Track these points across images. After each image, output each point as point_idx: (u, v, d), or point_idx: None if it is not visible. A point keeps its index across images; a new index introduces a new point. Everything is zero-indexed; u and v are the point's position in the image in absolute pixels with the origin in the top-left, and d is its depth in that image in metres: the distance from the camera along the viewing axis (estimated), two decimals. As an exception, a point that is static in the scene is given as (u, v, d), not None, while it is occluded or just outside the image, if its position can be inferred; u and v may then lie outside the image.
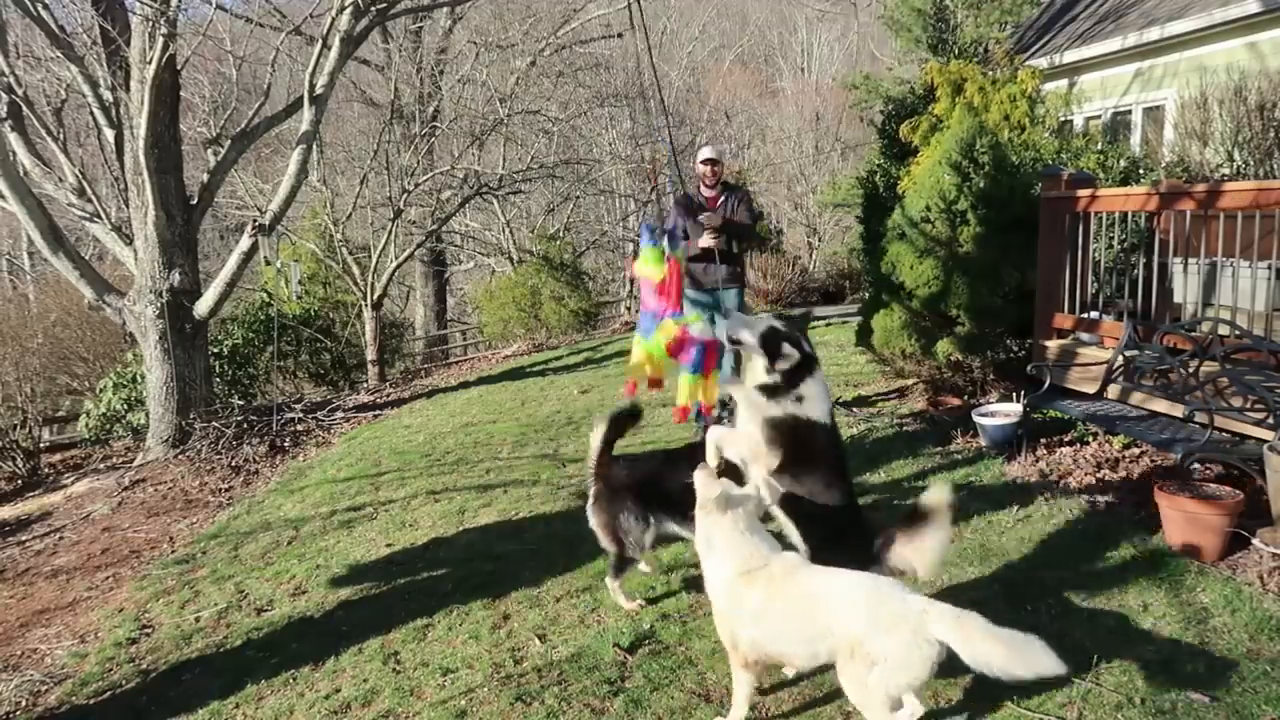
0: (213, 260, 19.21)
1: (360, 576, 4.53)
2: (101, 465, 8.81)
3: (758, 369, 3.05)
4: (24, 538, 6.46)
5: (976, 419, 5.02)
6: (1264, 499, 3.56)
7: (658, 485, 3.55)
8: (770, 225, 18.54)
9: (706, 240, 5.51)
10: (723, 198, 5.76)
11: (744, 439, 3.08)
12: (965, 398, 5.81)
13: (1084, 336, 5.53)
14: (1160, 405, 4.74)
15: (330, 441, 8.02)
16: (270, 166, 18.02)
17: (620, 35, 18.74)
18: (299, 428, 8.47)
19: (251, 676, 3.59)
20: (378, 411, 9.07)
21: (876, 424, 5.68)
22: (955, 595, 3.42)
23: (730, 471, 3.09)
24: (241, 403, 9.86)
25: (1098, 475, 4.34)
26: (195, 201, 8.72)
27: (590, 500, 3.65)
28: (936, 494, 2.80)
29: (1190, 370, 4.34)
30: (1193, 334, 4.59)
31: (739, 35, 37.49)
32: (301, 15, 9.98)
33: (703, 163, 5.77)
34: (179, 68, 8.40)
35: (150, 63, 7.71)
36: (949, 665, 2.40)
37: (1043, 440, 4.85)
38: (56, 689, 3.80)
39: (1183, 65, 9.36)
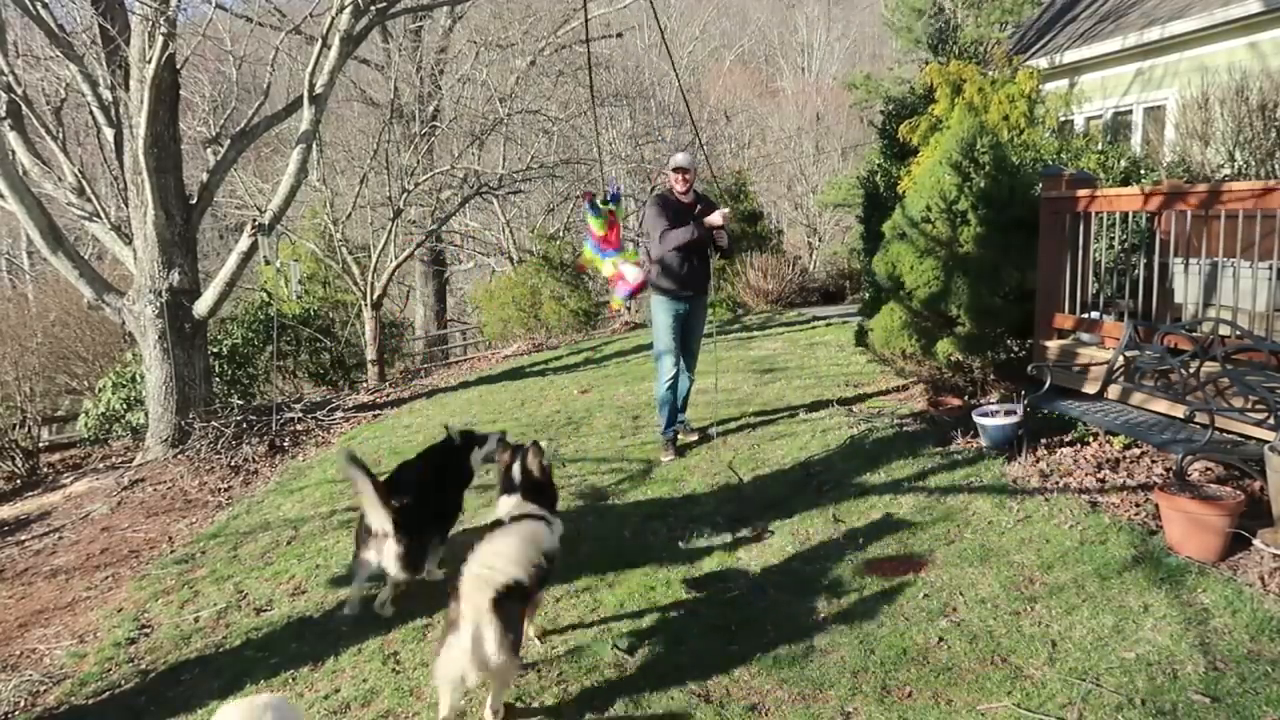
0: (212, 260, 19.21)
1: (360, 576, 4.52)
2: (101, 465, 8.81)
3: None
4: (23, 537, 6.46)
5: (977, 419, 5.01)
6: (1265, 500, 3.55)
7: None
8: (770, 225, 18.53)
9: (716, 219, 5.56)
10: (698, 207, 5.68)
11: None
12: (965, 398, 5.81)
13: (1084, 337, 5.52)
14: (1161, 406, 4.73)
15: (330, 441, 8.01)
16: (270, 166, 18.03)
17: (620, 35, 18.76)
18: (298, 427, 8.46)
19: (251, 677, 3.58)
20: (377, 411, 9.06)
21: (876, 424, 5.67)
22: (956, 596, 3.42)
23: None
24: (241, 402, 9.86)
25: (1098, 476, 4.34)
26: (195, 201, 8.72)
27: None
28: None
29: (1191, 371, 4.33)
30: (1193, 334, 4.58)
31: (739, 35, 37.52)
32: (301, 15, 9.98)
33: (674, 170, 5.68)
34: (178, 67, 8.39)
35: (150, 62, 7.70)
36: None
37: (1043, 440, 4.84)
38: (55, 689, 3.79)
39: (1184, 65, 9.36)
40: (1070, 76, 10.87)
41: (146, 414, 8.77)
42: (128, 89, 8.23)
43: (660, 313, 5.64)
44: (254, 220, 8.69)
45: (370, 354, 14.06)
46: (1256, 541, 3.40)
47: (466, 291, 23.78)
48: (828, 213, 21.83)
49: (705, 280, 5.73)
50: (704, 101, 27.00)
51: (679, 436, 5.86)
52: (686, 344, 5.76)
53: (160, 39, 7.59)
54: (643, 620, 3.55)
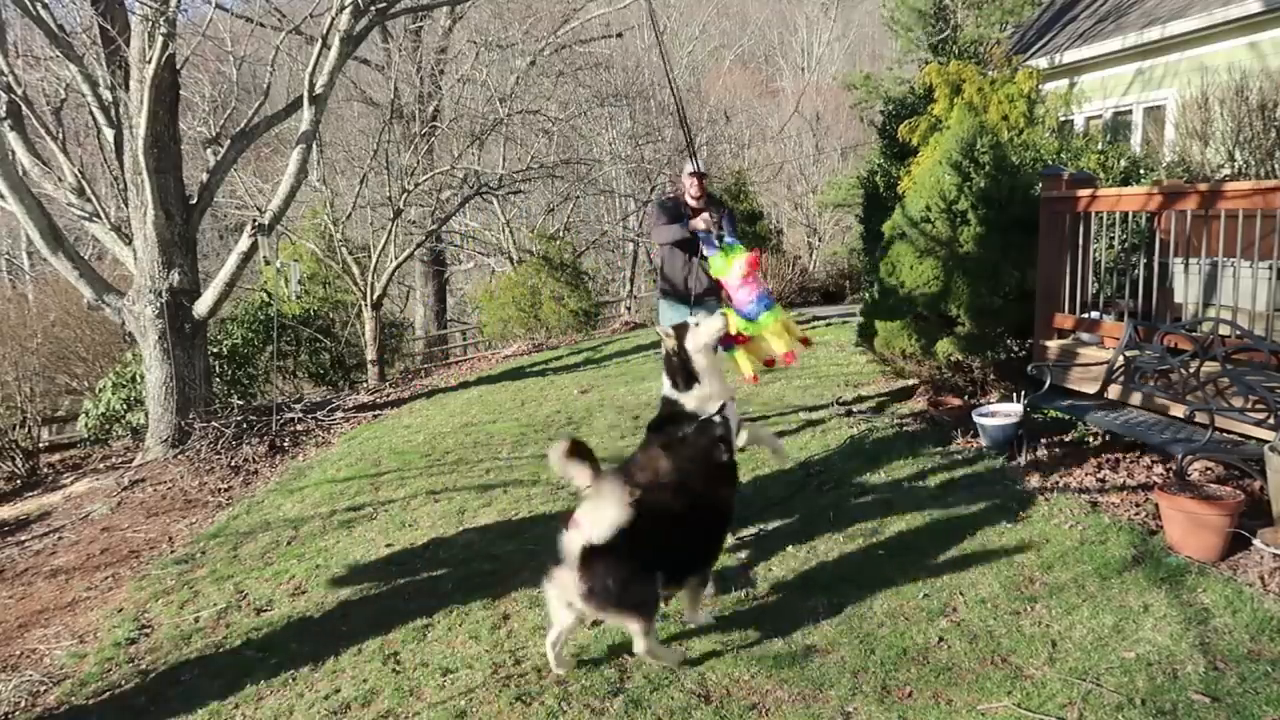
0: (212, 260, 19.21)
1: (360, 576, 4.52)
2: (101, 465, 8.80)
3: None
4: (23, 538, 6.46)
5: (976, 419, 5.01)
6: (1265, 499, 3.55)
7: None
8: (770, 225, 18.53)
9: (699, 223, 5.26)
10: (708, 212, 5.58)
11: None
12: (965, 398, 5.81)
13: (1084, 336, 5.52)
14: (1161, 405, 4.73)
15: (330, 441, 8.01)
16: (270, 166, 18.01)
17: (620, 35, 18.77)
18: (298, 428, 8.46)
19: (251, 677, 3.58)
20: (377, 411, 9.06)
21: (876, 424, 5.67)
22: (956, 596, 3.41)
23: None
24: (241, 402, 9.85)
25: (1098, 476, 4.34)
26: (195, 201, 8.72)
27: None
28: None
29: (1191, 370, 4.33)
30: (1193, 334, 4.58)
31: (739, 35, 37.50)
32: (301, 15, 9.97)
33: (689, 175, 5.62)
34: (178, 67, 8.39)
35: (149, 62, 7.70)
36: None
37: (1043, 440, 4.85)
38: (55, 689, 3.80)
39: (1183, 65, 9.36)
40: (1070, 76, 10.87)
41: (146, 414, 8.77)
42: (128, 89, 8.23)
43: (664, 317, 5.68)
44: (254, 220, 8.69)
45: (370, 354, 14.05)
46: (1256, 541, 3.41)
47: (466, 291, 23.78)
48: (828, 213, 21.82)
49: (714, 285, 5.53)
50: (704, 101, 27.00)
51: None
52: None
53: (160, 39, 7.58)
54: (643, 620, 3.54)
